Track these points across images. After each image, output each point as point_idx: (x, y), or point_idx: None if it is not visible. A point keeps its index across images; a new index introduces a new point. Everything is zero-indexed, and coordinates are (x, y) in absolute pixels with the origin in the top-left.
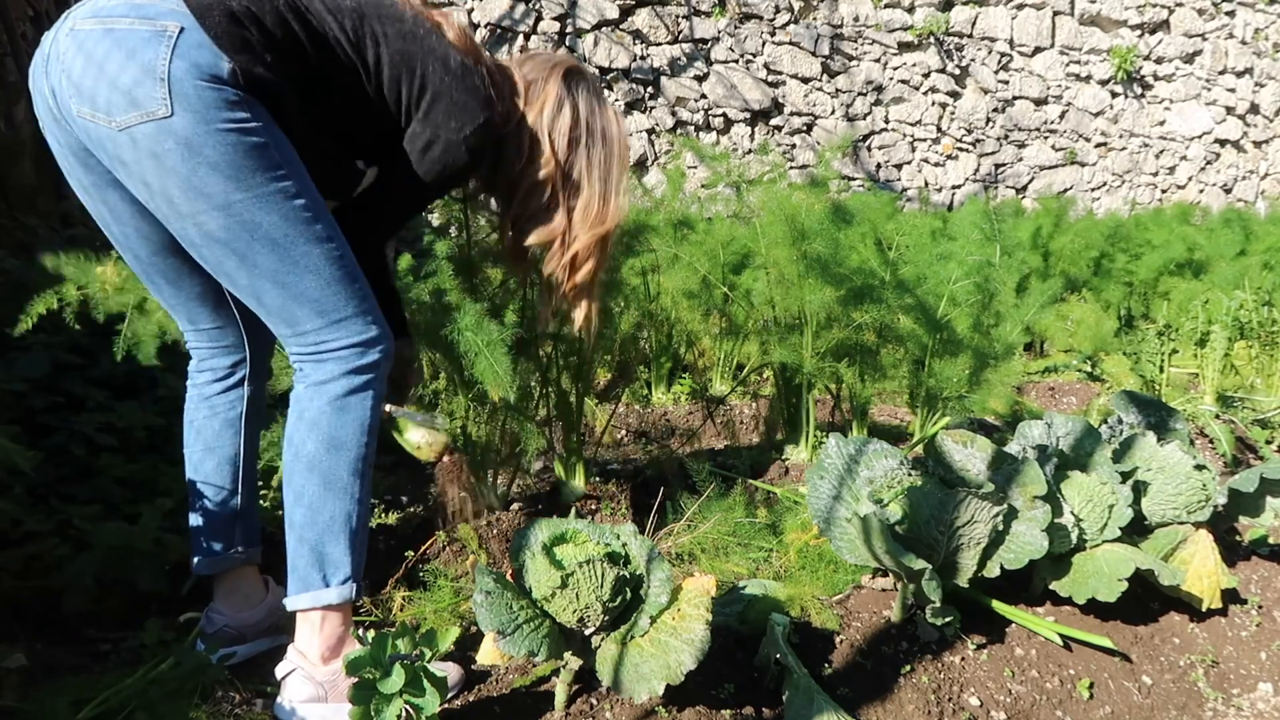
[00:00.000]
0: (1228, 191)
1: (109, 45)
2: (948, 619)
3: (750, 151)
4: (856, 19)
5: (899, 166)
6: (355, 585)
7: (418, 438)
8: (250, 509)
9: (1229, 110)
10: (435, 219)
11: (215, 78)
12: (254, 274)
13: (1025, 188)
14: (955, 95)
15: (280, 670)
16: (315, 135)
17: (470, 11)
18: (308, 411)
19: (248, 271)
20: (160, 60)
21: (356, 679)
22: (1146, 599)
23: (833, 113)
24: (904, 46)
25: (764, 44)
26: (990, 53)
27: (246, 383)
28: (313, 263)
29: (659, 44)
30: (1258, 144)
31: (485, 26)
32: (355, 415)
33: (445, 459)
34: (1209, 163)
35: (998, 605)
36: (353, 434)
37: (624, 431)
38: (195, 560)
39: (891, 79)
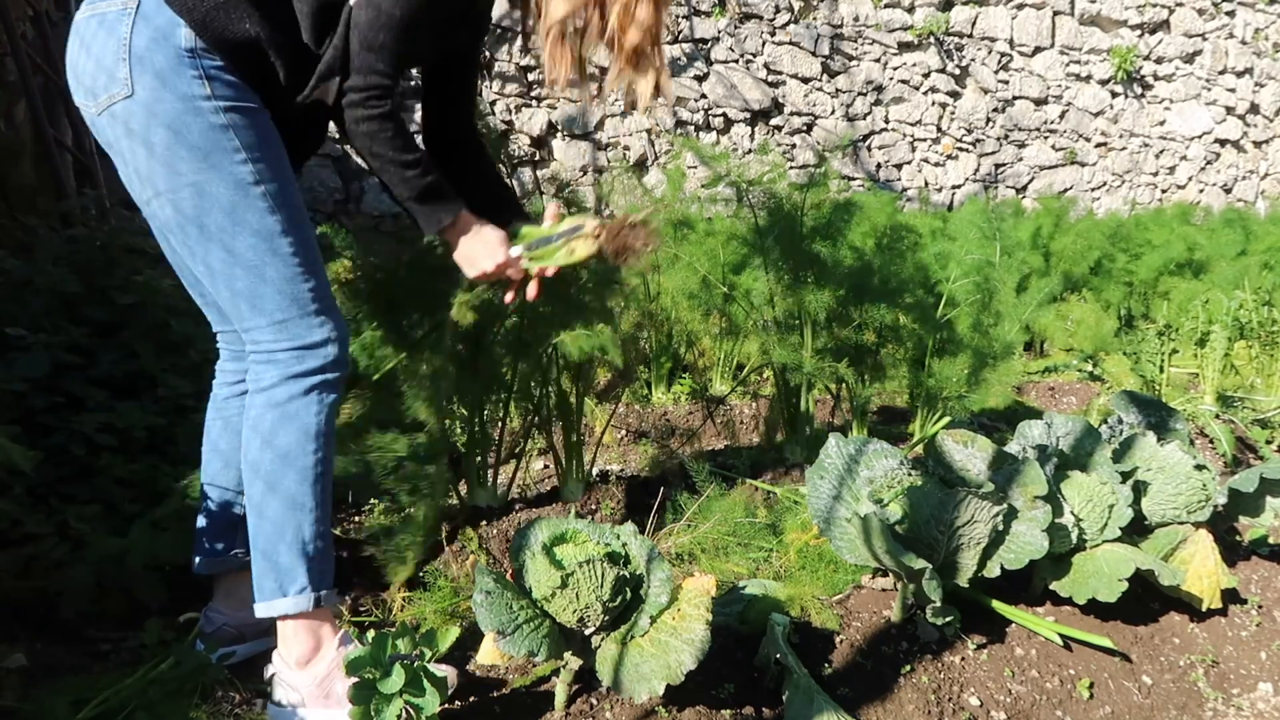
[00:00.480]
0: (1228, 191)
1: (91, 32)
2: (948, 619)
3: (750, 151)
4: (856, 19)
5: (899, 166)
6: (314, 595)
7: (566, 246)
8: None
9: (1229, 110)
10: None
11: (176, 49)
12: (204, 263)
13: (1025, 188)
14: (955, 95)
15: (266, 672)
16: (308, 60)
17: None
18: (250, 418)
19: (199, 260)
20: (123, 39)
21: (356, 679)
22: (1146, 599)
23: (833, 113)
24: (904, 46)
25: (764, 44)
26: (990, 53)
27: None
28: (256, 258)
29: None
30: (1258, 144)
31: None
32: (300, 423)
33: (602, 229)
34: (1209, 163)
35: (998, 605)
36: (297, 442)
37: (624, 431)
38: (196, 560)
39: (891, 79)
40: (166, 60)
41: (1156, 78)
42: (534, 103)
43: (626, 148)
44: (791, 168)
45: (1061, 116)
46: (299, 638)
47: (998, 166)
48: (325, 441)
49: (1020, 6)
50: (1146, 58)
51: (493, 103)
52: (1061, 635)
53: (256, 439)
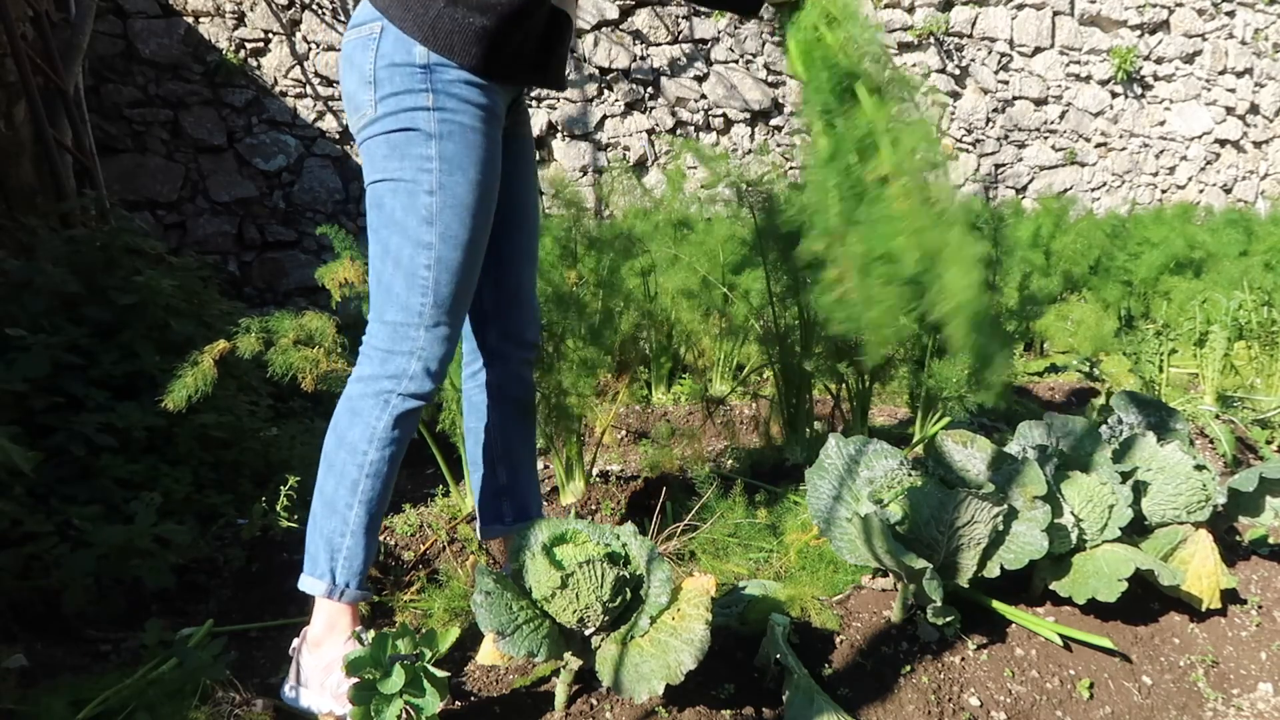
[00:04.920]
0: (1228, 191)
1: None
2: (948, 619)
3: (750, 152)
4: None
5: None
6: (331, 586)
7: None
8: (518, 486)
9: (1229, 110)
10: None
11: (396, 63)
12: (372, 246)
13: (1025, 188)
14: (955, 95)
15: (293, 643)
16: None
17: None
18: (338, 402)
19: (371, 240)
20: (368, 58)
21: (357, 679)
22: (1146, 599)
23: None
24: (904, 46)
25: (764, 44)
26: (990, 53)
27: (484, 368)
28: (397, 257)
29: (659, 44)
30: (1258, 144)
31: None
32: (360, 421)
33: None
34: (1209, 163)
35: (998, 605)
36: (349, 440)
37: (624, 431)
38: (478, 528)
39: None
40: (386, 69)
41: (1156, 78)
42: (534, 103)
43: (626, 148)
44: (791, 168)
45: (1061, 117)
46: (318, 618)
47: (998, 167)
48: (378, 449)
49: (1020, 7)
50: (1146, 58)
51: None
52: (1061, 635)
53: (331, 425)
